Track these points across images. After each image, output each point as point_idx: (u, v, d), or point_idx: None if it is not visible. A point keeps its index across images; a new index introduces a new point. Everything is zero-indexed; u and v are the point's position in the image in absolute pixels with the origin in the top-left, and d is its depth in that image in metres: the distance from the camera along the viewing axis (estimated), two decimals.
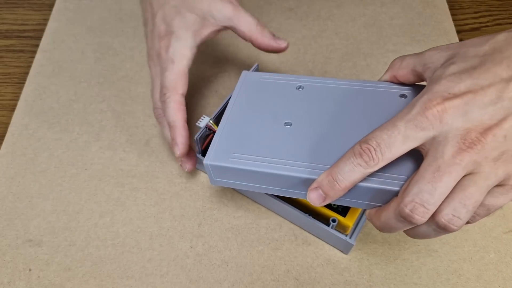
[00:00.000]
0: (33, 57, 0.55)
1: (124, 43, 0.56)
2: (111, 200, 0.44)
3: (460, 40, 0.55)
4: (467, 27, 0.57)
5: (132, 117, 0.49)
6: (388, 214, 0.30)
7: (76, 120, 0.49)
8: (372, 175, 0.30)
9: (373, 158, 0.29)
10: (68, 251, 0.41)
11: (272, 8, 0.59)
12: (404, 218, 0.29)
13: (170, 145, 0.41)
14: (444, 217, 0.28)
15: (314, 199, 0.31)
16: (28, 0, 0.62)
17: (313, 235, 0.41)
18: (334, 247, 0.40)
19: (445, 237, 0.40)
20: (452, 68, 0.30)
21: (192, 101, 0.50)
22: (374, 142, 0.29)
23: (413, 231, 0.31)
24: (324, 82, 0.38)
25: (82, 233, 0.42)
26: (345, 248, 0.39)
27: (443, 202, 0.28)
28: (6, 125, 0.50)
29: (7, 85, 0.54)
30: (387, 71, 0.37)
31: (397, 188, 0.30)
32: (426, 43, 0.55)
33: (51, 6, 0.61)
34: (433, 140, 0.29)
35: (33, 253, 0.41)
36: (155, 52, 0.41)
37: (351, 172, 0.30)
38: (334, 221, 0.37)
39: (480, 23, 0.58)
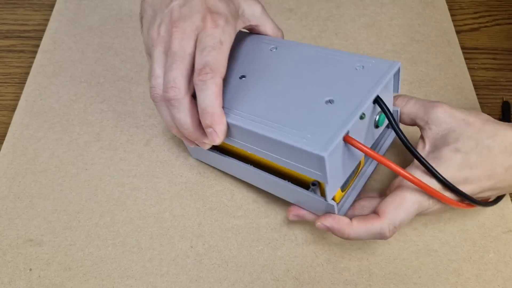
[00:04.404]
0: (34, 57, 0.55)
1: (125, 43, 0.56)
2: (111, 200, 0.44)
3: (460, 40, 0.55)
4: (466, 27, 0.57)
5: (133, 117, 0.49)
6: None
7: (77, 120, 0.49)
8: None
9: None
10: (68, 251, 0.41)
11: (272, 8, 0.59)
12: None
13: (187, 133, 0.37)
14: None
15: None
16: (29, 1, 0.62)
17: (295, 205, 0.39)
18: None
19: (445, 236, 0.41)
20: (459, 158, 0.35)
21: None
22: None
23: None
24: (298, 46, 0.41)
25: (83, 232, 0.42)
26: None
27: None
28: (6, 125, 0.50)
29: (8, 85, 0.54)
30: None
31: None
32: (426, 43, 0.55)
33: (51, 6, 0.61)
34: None
35: (34, 252, 0.41)
36: (190, 23, 0.36)
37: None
38: (314, 184, 0.36)
39: (480, 23, 0.58)
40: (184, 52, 0.35)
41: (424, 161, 0.34)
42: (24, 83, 0.53)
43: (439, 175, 0.33)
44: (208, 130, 0.35)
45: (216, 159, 0.43)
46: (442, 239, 0.40)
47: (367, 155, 0.33)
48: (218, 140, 0.35)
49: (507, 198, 0.43)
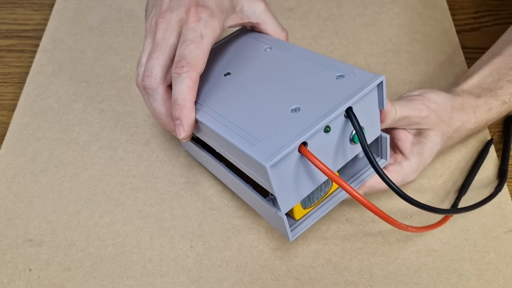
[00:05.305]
0: (33, 57, 0.55)
1: (124, 42, 0.56)
2: (111, 200, 0.44)
3: (460, 39, 0.55)
4: (467, 27, 0.57)
5: (132, 117, 0.49)
6: None
7: (76, 120, 0.49)
8: None
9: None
10: (68, 251, 0.41)
11: (272, 8, 0.59)
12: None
13: (162, 123, 0.38)
14: None
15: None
16: (28, 0, 0.62)
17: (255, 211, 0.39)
18: (277, 230, 0.37)
19: (446, 236, 0.40)
20: None
21: None
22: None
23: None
24: (290, 49, 0.39)
25: (82, 233, 0.42)
26: (281, 228, 0.35)
27: None
28: (6, 125, 0.50)
29: (7, 85, 0.54)
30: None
31: None
32: (426, 43, 0.55)
33: (51, 6, 0.61)
34: None
35: (33, 253, 0.41)
36: (176, 15, 0.36)
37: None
38: (273, 194, 0.34)
39: (480, 23, 0.58)
40: (166, 43, 0.36)
41: (386, 178, 0.33)
42: (24, 83, 0.53)
43: (399, 190, 0.33)
44: (176, 122, 0.35)
45: (196, 152, 0.43)
46: (443, 239, 0.40)
47: (320, 170, 0.30)
48: (183, 133, 0.35)
49: (507, 198, 0.42)
